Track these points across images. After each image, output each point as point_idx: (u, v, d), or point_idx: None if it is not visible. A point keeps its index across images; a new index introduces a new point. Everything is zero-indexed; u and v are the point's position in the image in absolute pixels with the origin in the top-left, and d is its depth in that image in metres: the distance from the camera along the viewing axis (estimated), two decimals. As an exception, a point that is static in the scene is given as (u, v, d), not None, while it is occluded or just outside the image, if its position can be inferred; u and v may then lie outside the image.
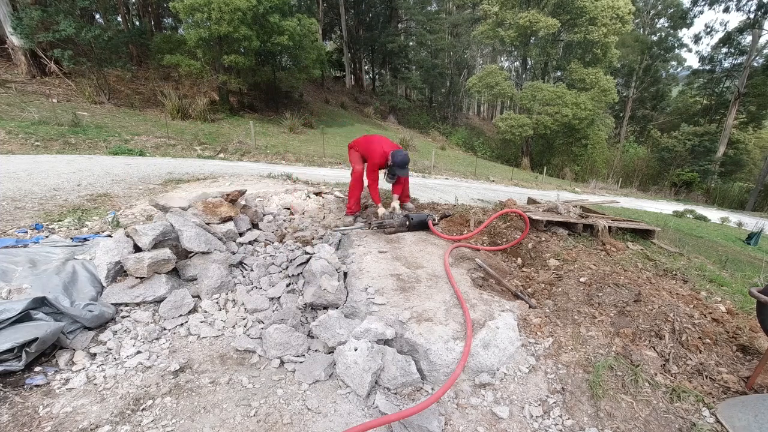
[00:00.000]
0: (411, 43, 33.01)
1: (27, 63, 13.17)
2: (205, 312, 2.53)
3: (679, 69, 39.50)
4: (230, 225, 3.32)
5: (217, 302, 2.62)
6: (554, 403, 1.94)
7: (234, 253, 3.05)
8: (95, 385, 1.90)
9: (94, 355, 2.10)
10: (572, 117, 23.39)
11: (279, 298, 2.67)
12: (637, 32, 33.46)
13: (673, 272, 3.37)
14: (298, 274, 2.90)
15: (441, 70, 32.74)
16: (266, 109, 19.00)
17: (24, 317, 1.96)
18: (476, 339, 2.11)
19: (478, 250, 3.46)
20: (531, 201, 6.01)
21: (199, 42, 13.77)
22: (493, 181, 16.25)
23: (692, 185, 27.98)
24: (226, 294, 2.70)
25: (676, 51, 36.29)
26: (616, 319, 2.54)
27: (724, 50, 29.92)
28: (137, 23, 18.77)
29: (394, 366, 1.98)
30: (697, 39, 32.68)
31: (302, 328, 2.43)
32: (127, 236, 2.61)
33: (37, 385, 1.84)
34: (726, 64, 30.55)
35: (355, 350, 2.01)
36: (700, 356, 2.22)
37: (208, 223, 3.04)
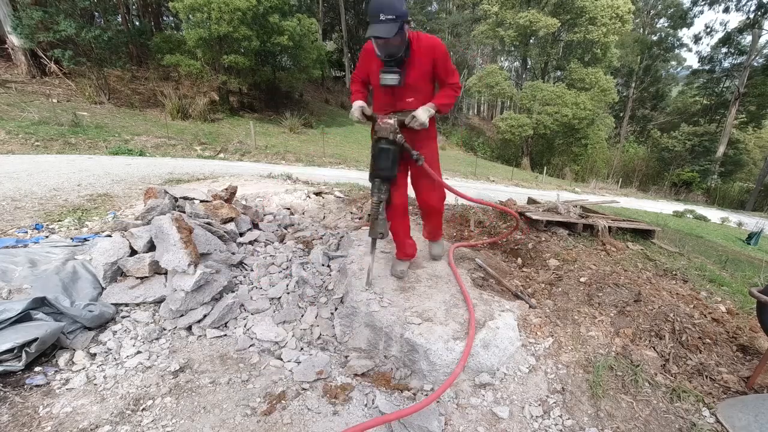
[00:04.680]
0: (411, 43, 32.99)
1: (27, 63, 13.17)
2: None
3: (679, 69, 39.54)
4: (231, 226, 3.33)
5: (217, 302, 2.62)
6: (554, 403, 1.94)
7: (234, 254, 3.05)
8: (95, 385, 1.90)
9: (94, 355, 2.10)
10: (572, 117, 23.39)
11: (279, 298, 2.67)
12: (636, 32, 33.45)
13: (673, 272, 3.36)
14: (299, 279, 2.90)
15: (441, 70, 32.71)
16: (266, 109, 19.01)
17: (24, 317, 1.96)
18: (476, 339, 2.11)
19: (475, 246, 3.47)
20: (531, 201, 6.01)
21: (199, 42, 13.77)
22: (493, 181, 16.25)
23: (692, 185, 27.99)
24: (226, 294, 2.70)
25: (676, 51, 36.31)
26: (616, 319, 2.53)
27: (724, 50, 29.92)
28: (137, 23, 18.77)
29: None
30: (697, 39, 32.69)
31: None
32: (124, 237, 2.62)
33: (37, 385, 1.84)
34: (726, 64, 30.57)
35: (355, 350, 2.01)
36: (700, 356, 2.22)
37: (208, 223, 3.04)
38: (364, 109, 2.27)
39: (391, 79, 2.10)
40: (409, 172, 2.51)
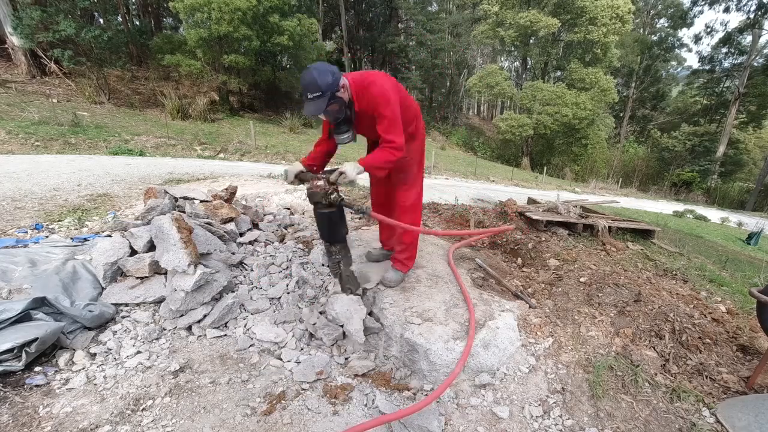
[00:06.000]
0: (411, 43, 32.99)
1: (27, 63, 13.18)
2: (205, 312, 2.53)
3: (679, 69, 39.54)
4: (231, 226, 3.32)
5: (217, 302, 2.62)
6: (554, 403, 1.94)
7: (234, 254, 3.05)
8: (95, 385, 1.90)
9: (94, 355, 2.10)
10: (572, 117, 23.39)
11: (279, 298, 2.67)
12: (636, 32, 33.44)
13: (673, 272, 3.37)
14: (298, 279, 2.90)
15: (441, 70, 32.73)
16: (266, 109, 19.00)
17: (24, 317, 1.96)
18: (476, 339, 2.11)
19: (473, 244, 3.47)
20: (531, 201, 6.02)
21: (200, 42, 13.77)
22: (493, 181, 16.25)
23: (692, 185, 28.00)
24: (226, 294, 2.70)
25: (676, 51, 36.31)
26: (616, 319, 2.54)
27: (724, 50, 29.91)
28: (137, 23, 18.77)
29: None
30: (697, 39, 32.72)
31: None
32: (124, 237, 2.62)
33: (37, 385, 1.84)
34: (726, 64, 30.56)
35: (355, 350, 2.01)
36: (700, 356, 2.23)
37: (208, 223, 3.04)
38: (300, 174, 2.14)
39: (343, 139, 2.09)
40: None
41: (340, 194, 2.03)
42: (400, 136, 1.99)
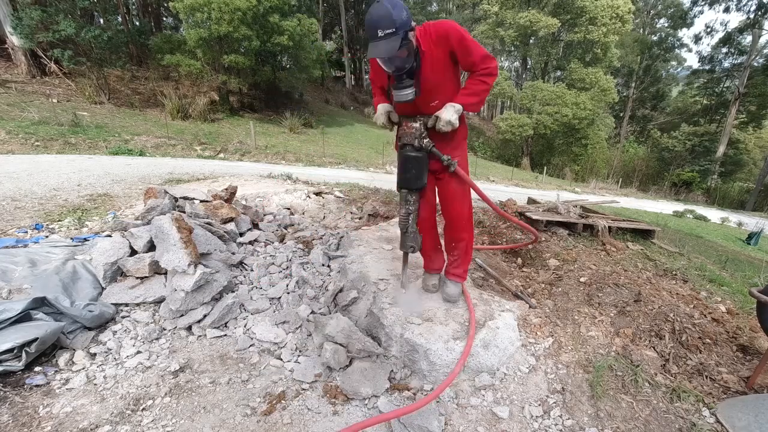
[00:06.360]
0: (411, 43, 32.98)
1: (27, 63, 13.17)
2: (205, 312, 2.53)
3: (679, 69, 39.54)
4: (231, 226, 3.33)
5: (217, 302, 2.62)
6: (554, 403, 1.94)
7: (234, 254, 3.05)
8: (95, 385, 1.90)
9: (94, 355, 2.10)
10: (572, 117, 23.39)
11: (279, 298, 2.67)
12: (637, 32, 33.43)
13: (673, 272, 3.36)
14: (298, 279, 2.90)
15: (441, 70, 32.71)
16: (266, 109, 18.99)
17: (24, 317, 1.96)
18: (476, 339, 2.11)
19: (478, 250, 3.47)
20: (531, 201, 6.01)
21: (199, 42, 13.77)
22: (493, 181, 16.25)
23: (692, 185, 27.96)
24: (226, 294, 2.70)
25: (676, 51, 36.32)
26: (616, 319, 2.53)
27: (724, 50, 29.89)
28: (137, 23, 18.76)
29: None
30: (697, 39, 32.69)
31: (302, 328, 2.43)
32: (124, 237, 2.62)
33: (37, 385, 1.84)
34: (726, 64, 30.53)
35: (355, 350, 2.00)
36: (700, 356, 2.22)
37: (208, 223, 3.04)
38: (391, 114, 2.03)
39: (405, 95, 1.83)
40: (437, 180, 2.16)
41: (431, 140, 1.95)
42: (489, 58, 1.80)
